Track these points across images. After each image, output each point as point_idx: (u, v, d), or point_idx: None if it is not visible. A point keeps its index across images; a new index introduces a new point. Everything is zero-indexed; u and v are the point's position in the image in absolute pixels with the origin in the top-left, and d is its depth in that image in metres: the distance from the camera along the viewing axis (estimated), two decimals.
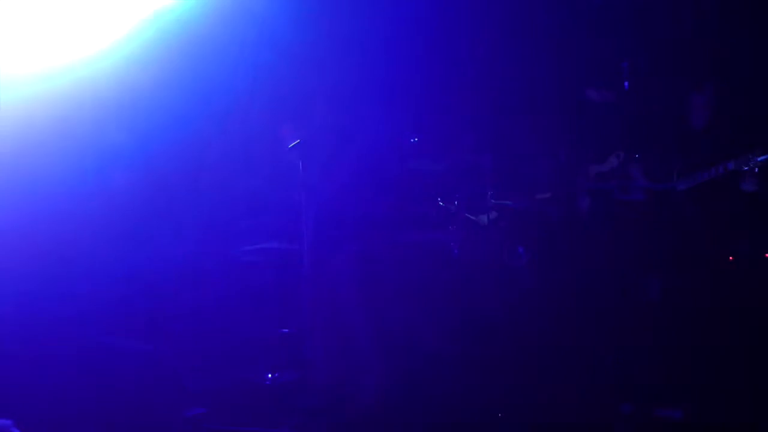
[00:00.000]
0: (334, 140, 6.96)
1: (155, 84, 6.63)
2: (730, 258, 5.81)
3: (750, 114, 5.67)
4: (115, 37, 6.22)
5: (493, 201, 6.55)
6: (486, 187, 6.59)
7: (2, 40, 5.70)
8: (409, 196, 7.38)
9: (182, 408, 5.26)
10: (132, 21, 6.25)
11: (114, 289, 6.78)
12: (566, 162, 7.00)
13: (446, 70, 7.14)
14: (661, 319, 5.31)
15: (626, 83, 6.85)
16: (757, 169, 4.84)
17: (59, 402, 5.68)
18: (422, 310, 7.01)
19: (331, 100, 7.04)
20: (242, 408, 5.56)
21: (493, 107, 6.63)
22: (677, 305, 5.26)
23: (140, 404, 5.18)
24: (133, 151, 7.31)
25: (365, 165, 6.66)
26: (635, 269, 5.29)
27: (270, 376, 6.10)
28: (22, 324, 7.13)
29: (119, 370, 5.30)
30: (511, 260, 7.44)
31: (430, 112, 7.19)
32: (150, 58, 6.50)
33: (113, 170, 6.83)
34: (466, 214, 7.17)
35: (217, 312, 7.31)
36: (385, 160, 6.95)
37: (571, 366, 6.10)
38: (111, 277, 6.68)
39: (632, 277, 5.60)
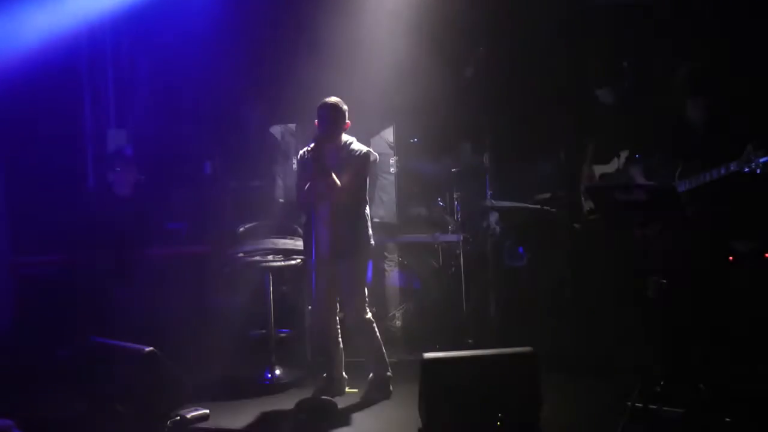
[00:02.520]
0: None
1: None
2: (730, 258, 5.82)
3: (751, 114, 5.67)
4: None
5: (493, 201, 6.55)
6: (486, 187, 6.59)
7: None
8: None
9: (182, 408, 5.25)
10: None
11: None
12: (566, 162, 7.01)
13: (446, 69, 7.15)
14: (661, 319, 5.31)
15: (626, 83, 6.88)
16: (759, 171, 4.83)
17: (58, 402, 5.70)
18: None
19: None
20: (242, 408, 5.56)
21: (493, 107, 6.62)
22: (677, 305, 5.26)
23: (139, 404, 5.16)
24: None
25: None
26: (635, 269, 5.28)
27: (270, 376, 6.10)
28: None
29: (118, 369, 5.28)
30: (511, 260, 7.45)
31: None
32: None
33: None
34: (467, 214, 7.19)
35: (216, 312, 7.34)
36: None
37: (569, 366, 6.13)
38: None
39: (633, 278, 5.59)
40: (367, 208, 5.68)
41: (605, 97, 6.79)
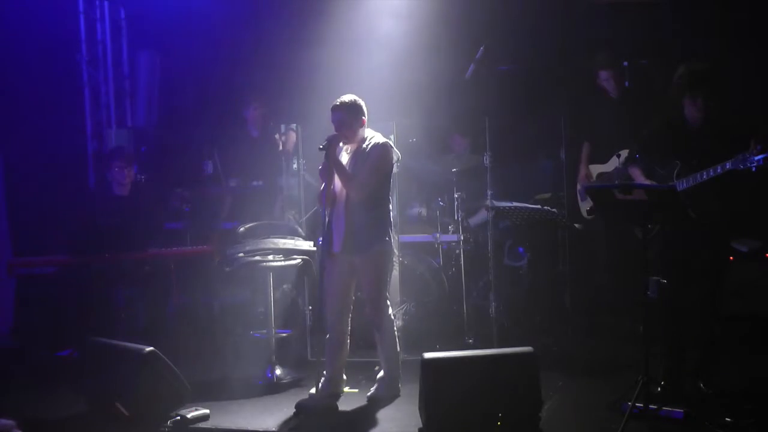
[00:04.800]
0: None
1: None
2: (731, 258, 5.82)
3: (748, 113, 5.67)
4: None
5: (493, 201, 6.54)
6: (486, 187, 6.58)
7: None
8: None
9: (182, 408, 5.26)
10: None
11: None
12: (566, 162, 7.01)
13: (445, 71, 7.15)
14: (662, 319, 5.31)
15: (626, 83, 6.87)
16: (755, 169, 4.83)
17: (58, 402, 5.70)
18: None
19: None
20: (242, 408, 5.56)
21: (493, 107, 6.62)
22: (678, 305, 5.26)
23: (139, 404, 5.17)
24: None
25: None
26: (635, 269, 5.28)
27: (270, 376, 6.10)
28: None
29: (118, 369, 5.29)
30: (511, 260, 7.44)
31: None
32: None
33: None
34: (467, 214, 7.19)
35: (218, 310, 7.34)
36: None
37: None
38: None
39: (633, 277, 5.59)
40: (390, 206, 5.59)
41: (608, 82, 6.79)
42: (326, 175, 5.40)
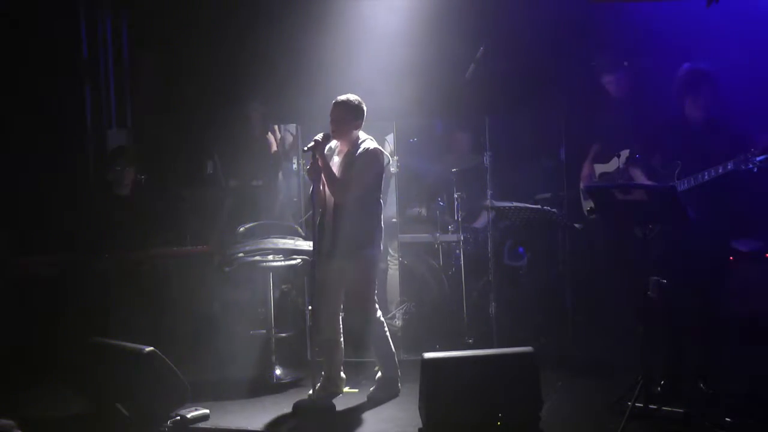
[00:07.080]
0: None
1: None
2: (731, 258, 5.82)
3: (749, 113, 5.68)
4: None
5: (493, 201, 6.54)
6: (486, 187, 6.58)
7: None
8: None
9: (182, 408, 5.26)
10: None
11: None
12: (567, 161, 7.01)
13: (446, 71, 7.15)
14: (662, 318, 5.31)
15: (626, 83, 6.86)
16: (756, 169, 4.84)
17: (58, 402, 5.70)
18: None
19: None
20: (242, 408, 5.56)
21: (493, 107, 6.62)
22: (677, 305, 5.26)
23: (139, 404, 5.17)
24: None
25: None
26: (635, 269, 5.28)
27: (270, 376, 6.10)
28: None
29: (118, 369, 5.29)
30: (511, 260, 7.44)
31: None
32: None
33: None
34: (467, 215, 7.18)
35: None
36: None
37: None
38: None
39: (633, 278, 5.59)
40: (380, 209, 5.58)
41: (610, 85, 6.78)
42: (314, 175, 5.41)
